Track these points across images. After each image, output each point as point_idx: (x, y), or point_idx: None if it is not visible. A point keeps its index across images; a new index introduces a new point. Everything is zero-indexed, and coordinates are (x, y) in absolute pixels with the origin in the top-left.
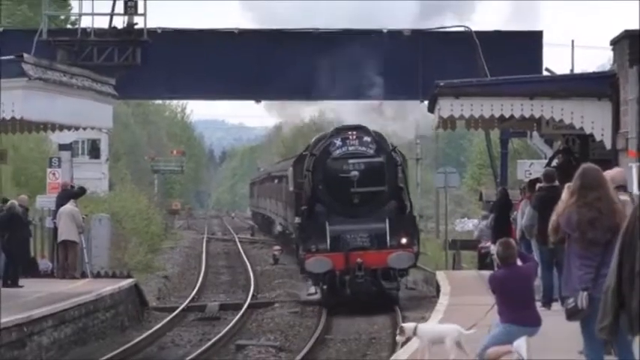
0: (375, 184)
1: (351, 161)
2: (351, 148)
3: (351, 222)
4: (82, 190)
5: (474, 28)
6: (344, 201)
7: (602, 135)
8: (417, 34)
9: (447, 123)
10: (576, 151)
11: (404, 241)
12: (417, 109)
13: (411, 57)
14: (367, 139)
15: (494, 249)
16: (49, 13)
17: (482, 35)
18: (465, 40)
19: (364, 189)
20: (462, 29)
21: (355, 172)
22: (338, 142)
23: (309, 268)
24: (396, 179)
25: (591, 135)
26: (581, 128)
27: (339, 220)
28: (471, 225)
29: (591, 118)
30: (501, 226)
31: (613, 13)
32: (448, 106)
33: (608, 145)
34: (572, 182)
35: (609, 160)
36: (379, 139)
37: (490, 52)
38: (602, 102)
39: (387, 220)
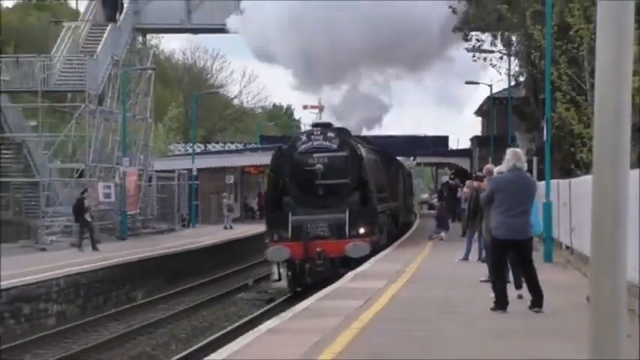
0: (338, 177)
1: (315, 155)
2: (315, 143)
3: (314, 213)
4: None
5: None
6: (309, 193)
7: (468, 170)
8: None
9: (419, 164)
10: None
11: (362, 231)
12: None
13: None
14: (331, 134)
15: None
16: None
17: (425, 138)
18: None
19: (328, 181)
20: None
21: (320, 166)
22: (304, 138)
23: (269, 256)
24: (360, 172)
25: (466, 170)
26: (461, 167)
27: (303, 210)
28: (424, 196)
29: (464, 164)
30: (442, 199)
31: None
32: (419, 159)
33: (470, 172)
34: (469, 183)
35: (470, 178)
36: (343, 136)
37: (431, 144)
38: (467, 158)
39: (348, 211)
